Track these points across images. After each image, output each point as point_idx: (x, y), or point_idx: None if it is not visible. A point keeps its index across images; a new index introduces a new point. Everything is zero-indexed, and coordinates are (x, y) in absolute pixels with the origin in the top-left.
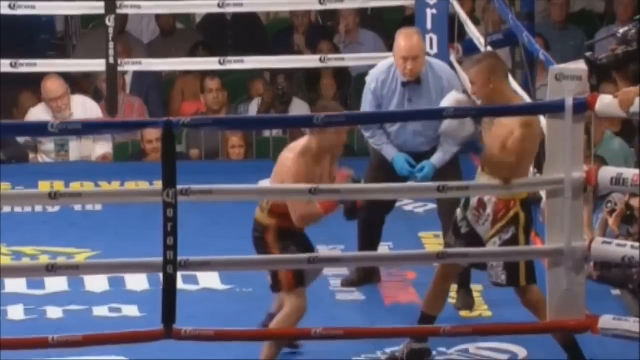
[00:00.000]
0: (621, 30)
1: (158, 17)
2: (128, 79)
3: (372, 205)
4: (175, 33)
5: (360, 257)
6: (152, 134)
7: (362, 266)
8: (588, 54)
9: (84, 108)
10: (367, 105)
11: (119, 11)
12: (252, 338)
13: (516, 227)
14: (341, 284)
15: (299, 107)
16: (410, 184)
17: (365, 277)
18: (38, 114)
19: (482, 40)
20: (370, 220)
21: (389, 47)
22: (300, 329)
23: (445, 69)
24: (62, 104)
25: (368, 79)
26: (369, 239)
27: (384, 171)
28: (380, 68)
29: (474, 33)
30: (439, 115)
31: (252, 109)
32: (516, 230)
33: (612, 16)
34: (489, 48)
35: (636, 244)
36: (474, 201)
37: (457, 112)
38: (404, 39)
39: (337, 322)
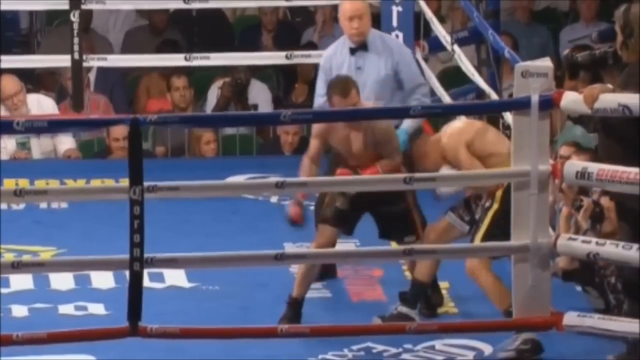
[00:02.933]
0: (596, 32)
1: (148, 13)
2: (92, 77)
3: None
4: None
5: (326, 254)
6: (119, 132)
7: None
8: (566, 51)
9: (39, 105)
10: (319, 82)
11: (83, 7)
12: (218, 335)
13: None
14: None
15: (258, 90)
16: (377, 176)
17: (323, 272)
18: None
19: (449, 38)
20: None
21: None
22: (266, 327)
23: (397, 42)
24: (17, 101)
25: (322, 60)
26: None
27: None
28: (329, 49)
29: (439, 31)
30: (406, 113)
31: (211, 96)
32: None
33: (576, 14)
34: (456, 45)
35: (601, 241)
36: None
37: (424, 111)
38: (347, 2)
39: (303, 320)
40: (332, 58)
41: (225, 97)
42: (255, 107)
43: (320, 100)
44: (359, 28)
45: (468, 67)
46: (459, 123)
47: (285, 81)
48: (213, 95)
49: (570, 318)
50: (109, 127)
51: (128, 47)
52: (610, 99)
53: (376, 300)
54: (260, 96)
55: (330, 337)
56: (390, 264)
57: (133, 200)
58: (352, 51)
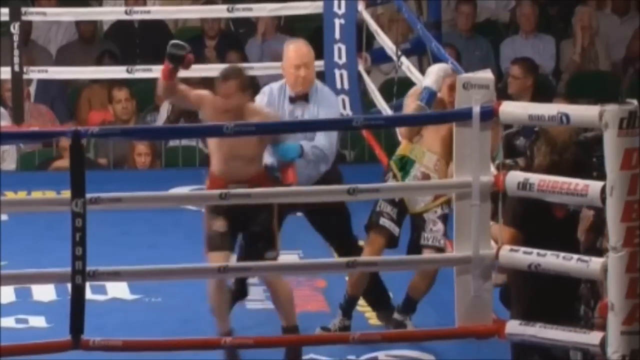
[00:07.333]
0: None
1: (78, 24)
2: (32, 89)
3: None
4: (94, 40)
5: (268, 267)
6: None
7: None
8: (510, 131)
9: None
10: None
11: (24, 18)
12: (161, 348)
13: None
14: None
15: None
16: (320, 187)
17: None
18: None
19: (394, 49)
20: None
21: None
22: (210, 338)
23: (329, 94)
24: None
25: (258, 97)
26: None
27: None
28: (272, 86)
29: (384, 42)
30: (349, 124)
31: (162, 110)
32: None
33: (517, 26)
34: (402, 57)
35: (542, 252)
36: (417, 174)
37: (367, 122)
38: (293, 49)
39: (247, 331)
40: (274, 99)
41: (177, 111)
42: None
43: None
44: (305, 77)
45: (417, 76)
46: None
47: None
48: (164, 109)
49: (513, 326)
50: (51, 139)
51: (61, 62)
52: (550, 106)
53: (319, 311)
54: None
55: (273, 348)
56: (333, 275)
57: (75, 212)
58: (292, 100)
